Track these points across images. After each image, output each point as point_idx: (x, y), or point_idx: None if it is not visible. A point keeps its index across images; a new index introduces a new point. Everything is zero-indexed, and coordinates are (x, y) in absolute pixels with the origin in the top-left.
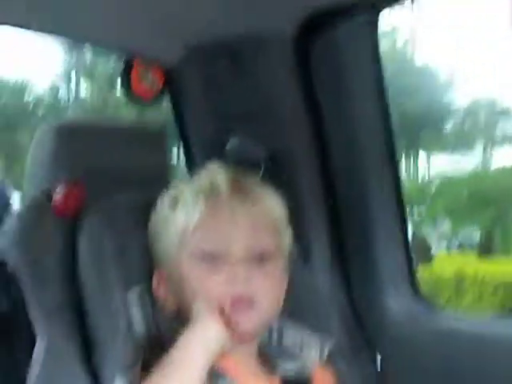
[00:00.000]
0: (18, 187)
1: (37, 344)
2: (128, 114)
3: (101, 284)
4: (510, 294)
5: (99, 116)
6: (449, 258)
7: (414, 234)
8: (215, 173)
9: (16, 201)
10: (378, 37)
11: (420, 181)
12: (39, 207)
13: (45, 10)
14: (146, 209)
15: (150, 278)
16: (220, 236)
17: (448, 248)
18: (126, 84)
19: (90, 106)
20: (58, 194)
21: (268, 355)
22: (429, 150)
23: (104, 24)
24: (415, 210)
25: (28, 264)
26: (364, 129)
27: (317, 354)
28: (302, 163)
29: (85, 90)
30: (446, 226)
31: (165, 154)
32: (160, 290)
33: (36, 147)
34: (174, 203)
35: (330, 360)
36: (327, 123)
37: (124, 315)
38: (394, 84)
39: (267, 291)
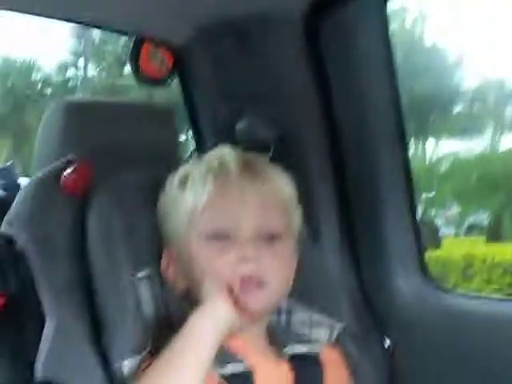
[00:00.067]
0: (27, 167)
1: (46, 324)
2: (137, 94)
3: (110, 263)
4: None
5: (108, 96)
6: (457, 241)
7: (422, 217)
8: (224, 152)
9: (24, 181)
10: (388, 16)
11: (428, 164)
12: (48, 186)
13: None
14: (155, 187)
15: (159, 257)
16: (229, 215)
17: (456, 232)
18: (135, 64)
19: (98, 86)
20: (67, 173)
21: (277, 336)
22: (437, 133)
23: (113, 5)
24: (423, 193)
25: (37, 242)
26: (374, 109)
27: (326, 335)
28: (311, 144)
29: (93, 69)
30: (454, 209)
31: (173, 132)
32: (169, 270)
33: (45, 125)
34: (183, 183)
35: (339, 341)
36: (337, 104)
37: (133, 295)
38: (403, 65)
39: (276, 271)
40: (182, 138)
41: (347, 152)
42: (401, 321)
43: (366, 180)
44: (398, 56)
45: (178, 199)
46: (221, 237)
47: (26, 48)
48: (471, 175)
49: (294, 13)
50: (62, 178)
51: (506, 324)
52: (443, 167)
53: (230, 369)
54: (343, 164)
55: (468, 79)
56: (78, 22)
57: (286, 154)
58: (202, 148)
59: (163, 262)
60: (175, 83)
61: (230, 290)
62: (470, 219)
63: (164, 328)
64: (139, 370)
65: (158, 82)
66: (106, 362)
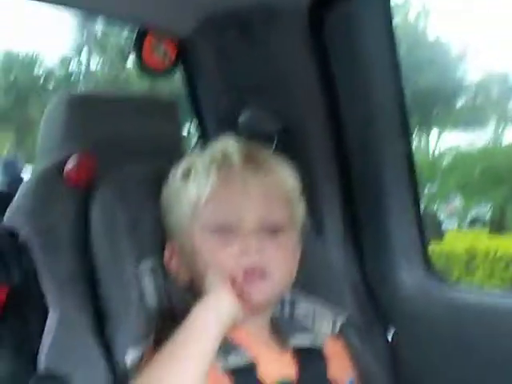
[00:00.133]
0: (30, 160)
1: (49, 315)
2: (139, 87)
3: (113, 255)
4: None
5: (111, 89)
6: (460, 234)
7: (424, 210)
8: (227, 144)
9: (27, 174)
10: (392, 9)
11: (432, 157)
12: (51, 178)
13: None
14: (159, 180)
15: (163, 249)
16: (232, 207)
17: (459, 225)
18: (139, 55)
19: (101, 79)
20: (70, 165)
21: (280, 327)
22: (441, 126)
23: None
24: (426, 186)
25: (40, 234)
26: (377, 102)
27: (329, 326)
28: (315, 136)
29: (96, 62)
30: (457, 202)
31: (177, 124)
32: (172, 262)
33: (48, 118)
34: (186, 175)
35: (343, 333)
36: (341, 96)
37: (136, 287)
38: (406, 59)
39: (280, 263)
40: (185, 130)
41: (351, 144)
42: (404, 313)
43: (370, 173)
44: (402, 50)
45: (181, 191)
46: (224, 229)
47: (29, 42)
48: (474, 168)
49: (298, 4)
50: (65, 170)
51: (508, 316)
52: (446, 160)
53: (234, 360)
54: (347, 156)
55: (471, 73)
56: (80, 10)
57: (289, 146)
58: (205, 140)
59: (166, 254)
60: (178, 75)
61: (234, 282)
62: (473, 212)
63: (167, 320)
64: (142, 362)
65: (161, 73)
66: (109, 353)
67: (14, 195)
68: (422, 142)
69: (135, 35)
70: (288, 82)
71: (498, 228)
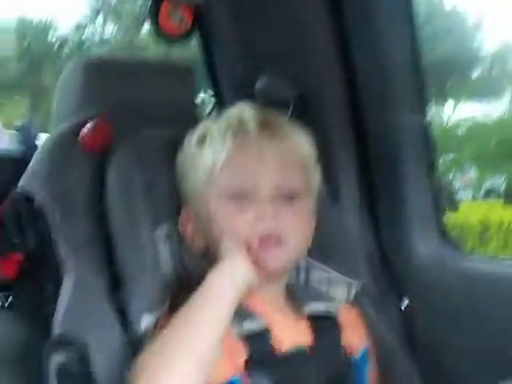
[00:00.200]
0: (44, 128)
1: (64, 280)
2: (154, 54)
3: (129, 219)
4: None
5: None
6: (474, 205)
7: (439, 181)
8: (243, 110)
9: (42, 140)
10: None
11: (447, 128)
12: (67, 143)
13: None
14: (175, 145)
15: (178, 215)
16: (247, 173)
17: (474, 196)
18: (155, 21)
19: (115, 47)
20: (86, 130)
21: (295, 294)
22: (456, 96)
23: None
24: (441, 157)
25: (56, 199)
26: (395, 69)
27: (344, 294)
28: (331, 102)
29: (111, 29)
30: (472, 173)
31: (193, 90)
32: (187, 228)
33: (64, 84)
34: (202, 141)
35: (357, 301)
36: (357, 63)
37: (152, 251)
38: (423, 28)
39: (295, 229)
40: (201, 96)
41: (367, 112)
42: (418, 282)
43: (386, 140)
44: (418, 19)
45: (196, 157)
46: (239, 195)
47: (43, 8)
48: (489, 139)
49: None
50: (81, 134)
51: None
52: (461, 131)
53: (248, 326)
54: (363, 124)
55: (487, 43)
56: None
57: (305, 113)
58: (221, 106)
59: (181, 220)
60: (194, 42)
61: (249, 248)
62: (488, 183)
63: (183, 285)
64: (157, 327)
65: (177, 39)
66: (124, 317)
67: (30, 161)
68: (438, 112)
69: (151, 1)
70: (305, 48)
71: None
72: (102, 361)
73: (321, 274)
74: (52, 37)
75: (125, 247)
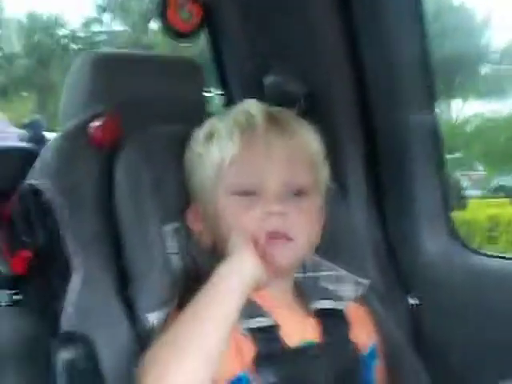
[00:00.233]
0: (52, 124)
1: (73, 276)
2: (161, 51)
3: (137, 215)
4: None
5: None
6: (483, 203)
7: (448, 178)
8: (251, 106)
9: (50, 136)
10: None
11: (455, 125)
12: (76, 137)
13: None
14: (183, 142)
15: (186, 211)
16: (255, 170)
17: (482, 193)
18: (163, 18)
19: (123, 42)
20: (95, 125)
21: (303, 291)
22: (464, 93)
23: None
24: (449, 154)
25: (64, 194)
26: (404, 66)
27: (352, 291)
28: (340, 99)
29: (118, 25)
30: (480, 171)
31: (201, 87)
32: (195, 224)
33: (72, 78)
34: (209, 138)
35: (365, 298)
36: (366, 60)
37: (160, 248)
38: (431, 24)
39: (303, 227)
40: (210, 93)
41: (376, 108)
42: (426, 279)
43: (395, 137)
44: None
45: (204, 154)
46: (247, 192)
47: (51, 3)
48: (498, 137)
49: None
50: (90, 130)
51: None
52: (470, 128)
53: (256, 322)
54: (372, 120)
55: (496, 39)
56: None
57: (314, 110)
58: (229, 103)
59: (189, 217)
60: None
61: (256, 245)
62: (496, 181)
63: (191, 281)
64: (165, 323)
65: (186, 36)
66: (132, 314)
67: (38, 154)
68: (446, 110)
69: None
70: (313, 45)
71: None
72: (110, 357)
73: (329, 272)
74: (60, 32)
75: (133, 243)
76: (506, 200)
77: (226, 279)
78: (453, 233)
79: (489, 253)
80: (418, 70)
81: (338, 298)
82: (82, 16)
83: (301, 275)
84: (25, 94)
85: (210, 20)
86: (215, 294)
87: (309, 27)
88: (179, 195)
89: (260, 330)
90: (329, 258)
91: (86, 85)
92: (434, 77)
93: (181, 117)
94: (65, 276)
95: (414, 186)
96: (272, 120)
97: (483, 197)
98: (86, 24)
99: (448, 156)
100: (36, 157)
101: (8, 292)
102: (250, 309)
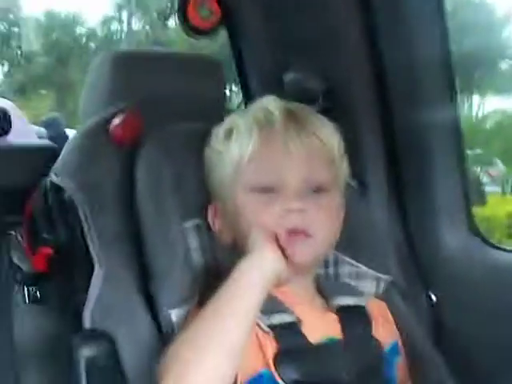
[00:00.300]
0: (71, 121)
1: (94, 273)
2: (180, 48)
3: (158, 212)
4: None
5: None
6: (502, 199)
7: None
8: (269, 103)
9: (70, 134)
10: None
11: (474, 122)
12: (96, 135)
13: None
14: (203, 139)
15: (207, 208)
16: (274, 167)
17: (503, 191)
18: (183, 15)
19: (142, 40)
20: (115, 123)
21: (324, 287)
22: (484, 89)
23: None
24: (469, 151)
25: (85, 191)
26: (424, 62)
27: (373, 287)
28: (360, 96)
29: (137, 23)
30: (500, 167)
31: (221, 84)
32: (215, 221)
33: (92, 77)
34: (228, 135)
35: (386, 295)
36: (386, 56)
37: (181, 244)
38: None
39: (322, 223)
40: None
41: (396, 105)
42: (446, 274)
43: (415, 133)
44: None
45: (223, 151)
46: (266, 189)
47: (69, 1)
48: None
49: None
50: (111, 127)
51: None
52: (489, 125)
53: (278, 319)
54: (392, 117)
55: None
56: None
57: (334, 106)
58: (249, 100)
59: (209, 214)
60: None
61: (277, 242)
62: None
63: (212, 278)
64: (186, 320)
65: (205, 33)
66: (153, 311)
67: (59, 154)
68: (465, 106)
69: None
70: (333, 42)
71: None
72: (131, 354)
73: (350, 269)
74: (79, 30)
75: (154, 240)
76: None
77: (246, 274)
78: (473, 228)
79: (508, 248)
80: (438, 67)
81: (360, 294)
82: (101, 14)
83: (322, 271)
84: (43, 92)
85: (229, 17)
86: (236, 289)
87: (329, 24)
88: (199, 192)
89: (282, 326)
90: (350, 255)
91: (105, 83)
92: (455, 74)
93: (201, 114)
94: (86, 273)
95: (434, 182)
96: (291, 116)
97: (503, 193)
98: (105, 22)
99: (468, 152)
100: (57, 154)
101: (29, 289)
102: (272, 305)
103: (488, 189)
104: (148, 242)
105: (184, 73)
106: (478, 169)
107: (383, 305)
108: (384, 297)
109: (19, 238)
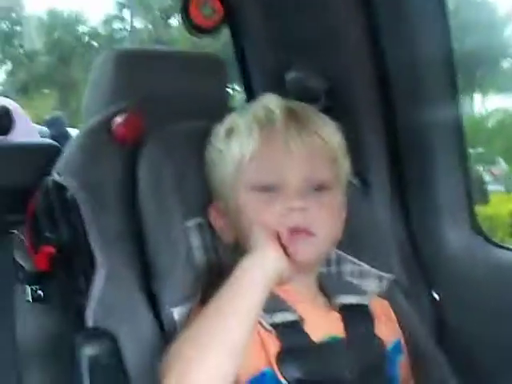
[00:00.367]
0: (73, 121)
1: (97, 272)
2: (183, 47)
3: (160, 211)
4: None
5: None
6: (505, 198)
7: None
8: (270, 102)
9: (72, 132)
10: None
11: (476, 121)
12: (99, 134)
13: None
14: (205, 138)
15: (209, 207)
16: (275, 166)
17: (507, 189)
18: (185, 13)
19: (145, 39)
20: (118, 122)
21: (327, 285)
22: (485, 88)
23: None
24: (471, 150)
25: (87, 189)
26: (426, 60)
27: (375, 285)
28: (362, 95)
29: (139, 22)
30: (502, 166)
31: (223, 83)
32: (217, 220)
33: (94, 75)
34: (229, 134)
35: (389, 293)
36: (388, 54)
37: (183, 243)
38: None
39: (324, 222)
40: (232, 89)
41: (398, 103)
42: (449, 273)
43: (417, 131)
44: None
45: (224, 150)
46: (267, 188)
47: (72, 0)
48: None
49: None
50: (113, 126)
51: None
52: (491, 123)
53: (280, 317)
54: (394, 115)
55: None
56: None
57: (336, 105)
58: (251, 98)
59: (211, 213)
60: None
61: (278, 240)
62: None
63: (214, 276)
64: (188, 318)
65: (208, 32)
66: (155, 309)
67: (61, 150)
68: (467, 104)
69: None
70: (335, 41)
71: None
72: (133, 353)
73: (352, 267)
74: (82, 29)
75: (156, 239)
76: None
77: (248, 272)
78: (475, 227)
79: (511, 246)
80: (440, 66)
81: (362, 293)
82: (103, 13)
83: (325, 270)
84: (46, 91)
85: (232, 16)
86: (238, 288)
87: (331, 23)
88: (201, 191)
89: (284, 325)
90: (352, 253)
91: (108, 82)
92: (457, 72)
93: (203, 113)
94: (88, 272)
95: (437, 181)
96: (291, 115)
97: (506, 192)
98: (107, 21)
99: (470, 151)
100: (59, 153)
101: (32, 288)
102: (274, 304)
103: (491, 187)
104: (150, 240)
105: (187, 71)
106: (481, 167)
107: (386, 303)
108: (387, 295)
109: (21, 236)
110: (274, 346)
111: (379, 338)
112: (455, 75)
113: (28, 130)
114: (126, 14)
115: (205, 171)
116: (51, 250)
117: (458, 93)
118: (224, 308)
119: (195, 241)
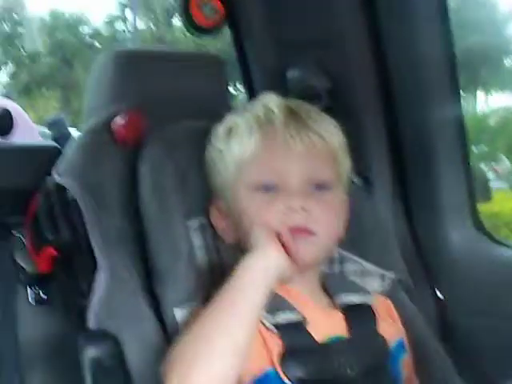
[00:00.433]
0: (75, 121)
1: (98, 273)
2: (185, 47)
3: (161, 211)
4: None
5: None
6: (507, 196)
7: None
8: (270, 101)
9: (74, 132)
10: None
11: (479, 118)
12: (100, 135)
13: None
14: (206, 137)
15: (210, 206)
16: (275, 166)
17: (511, 187)
18: (186, 13)
19: (146, 39)
20: (118, 123)
21: (330, 285)
22: (488, 86)
23: None
24: (473, 147)
25: (88, 190)
26: (428, 59)
27: (378, 285)
28: (364, 93)
29: (141, 22)
30: (505, 164)
31: (224, 82)
32: (218, 220)
33: (95, 75)
34: (229, 133)
35: (392, 292)
36: (390, 53)
37: (185, 243)
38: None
39: (325, 221)
40: (233, 89)
41: (400, 102)
42: (452, 271)
43: (419, 130)
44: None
45: (224, 150)
46: (268, 187)
47: (74, 1)
48: None
49: None
50: (113, 127)
51: None
52: (494, 121)
53: (283, 317)
54: (396, 114)
55: None
56: None
57: (338, 104)
58: (253, 98)
59: (212, 213)
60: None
61: (280, 240)
62: None
63: (216, 276)
64: (190, 318)
65: (209, 31)
66: (158, 310)
67: (62, 151)
68: (470, 103)
69: None
70: (337, 39)
71: None
72: (136, 353)
73: (355, 266)
74: (84, 30)
75: (158, 239)
76: None
77: (249, 272)
78: (478, 225)
79: None
80: (441, 65)
81: (365, 292)
82: (105, 14)
83: (327, 269)
84: (48, 92)
85: (232, 15)
86: (239, 287)
87: (333, 22)
88: (203, 191)
89: (287, 325)
90: (355, 252)
91: (109, 82)
92: (459, 70)
93: (205, 112)
94: (90, 273)
95: (439, 179)
96: (291, 114)
97: (509, 189)
98: (109, 22)
99: (472, 149)
100: (60, 154)
101: (34, 290)
102: (276, 304)
103: (494, 185)
104: (151, 240)
105: (187, 71)
106: (484, 165)
107: (388, 302)
108: (389, 294)
109: (22, 238)
110: (276, 346)
111: (382, 337)
112: (457, 74)
113: (29, 132)
114: (129, 14)
115: (206, 171)
116: (52, 251)
117: (459, 91)
118: (225, 308)
119: (197, 241)
